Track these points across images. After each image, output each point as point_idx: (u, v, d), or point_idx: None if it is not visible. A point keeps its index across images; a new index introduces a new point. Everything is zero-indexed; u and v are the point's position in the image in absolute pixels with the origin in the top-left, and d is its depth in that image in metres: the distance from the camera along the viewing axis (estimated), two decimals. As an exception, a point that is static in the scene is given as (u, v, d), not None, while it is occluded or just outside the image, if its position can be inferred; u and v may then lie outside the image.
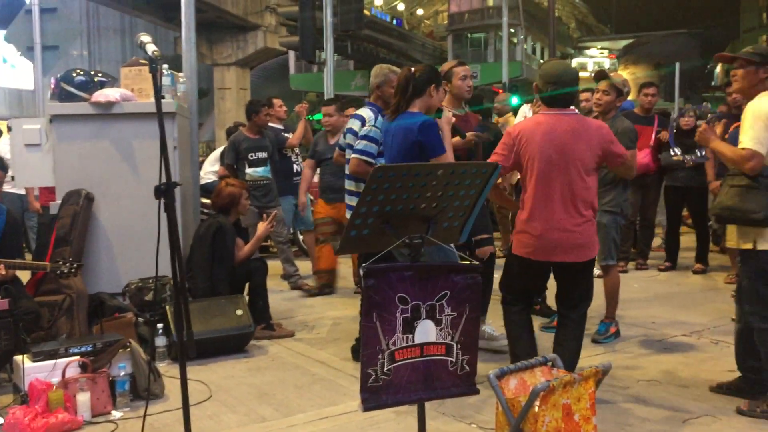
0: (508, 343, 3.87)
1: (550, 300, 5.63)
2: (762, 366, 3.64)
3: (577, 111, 3.82)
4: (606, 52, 57.30)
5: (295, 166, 7.58)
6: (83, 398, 3.63)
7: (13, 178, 5.65)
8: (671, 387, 4.03)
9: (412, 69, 3.98)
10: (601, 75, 5.04)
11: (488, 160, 3.65)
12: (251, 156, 6.89)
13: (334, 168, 6.09)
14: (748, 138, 3.48)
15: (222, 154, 9.45)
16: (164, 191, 2.65)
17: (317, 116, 15.42)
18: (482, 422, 3.52)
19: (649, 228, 7.97)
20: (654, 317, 5.58)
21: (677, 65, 19.54)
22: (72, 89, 5.35)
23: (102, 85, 5.47)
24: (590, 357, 4.57)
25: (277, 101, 7.81)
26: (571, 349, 3.72)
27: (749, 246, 3.55)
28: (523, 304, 3.85)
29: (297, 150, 7.74)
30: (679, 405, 3.74)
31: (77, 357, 3.80)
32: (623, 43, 57.41)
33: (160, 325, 4.65)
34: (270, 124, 7.39)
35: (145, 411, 3.11)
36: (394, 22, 39.87)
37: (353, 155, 4.69)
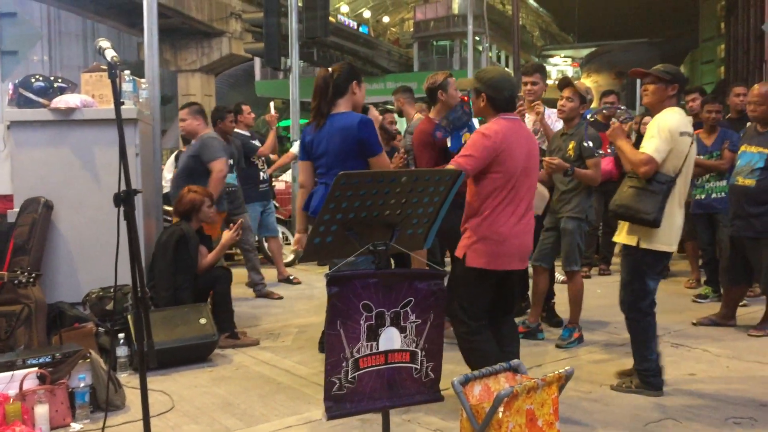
0: (475, 366, 3.62)
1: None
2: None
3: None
4: (569, 60, 58.19)
5: (261, 173, 7.53)
6: (41, 410, 3.55)
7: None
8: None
9: (330, 69, 3.86)
10: (564, 82, 5.11)
11: (460, 161, 3.45)
12: None
13: None
14: (649, 145, 3.83)
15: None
16: (124, 199, 2.61)
17: (284, 123, 15.36)
18: (447, 429, 3.52)
19: (612, 234, 8.06)
20: (617, 322, 5.63)
21: (638, 74, 19.80)
22: (31, 95, 5.25)
23: (62, 91, 5.38)
24: (554, 362, 4.61)
25: (246, 108, 7.76)
26: (516, 351, 3.70)
27: (633, 243, 3.92)
28: (485, 329, 3.60)
29: (263, 158, 7.69)
30: (642, 409, 3.78)
31: (35, 368, 3.71)
32: (586, 51, 58.36)
33: (121, 335, 4.57)
34: (237, 130, 7.34)
35: (104, 423, 3.05)
36: (361, 29, 39.94)
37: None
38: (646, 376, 3.98)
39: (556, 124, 5.50)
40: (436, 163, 4.72)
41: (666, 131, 3.81)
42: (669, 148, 3.80)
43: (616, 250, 8.38)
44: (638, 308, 3.98)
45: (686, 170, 3.91)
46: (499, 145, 3.46)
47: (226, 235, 5.32)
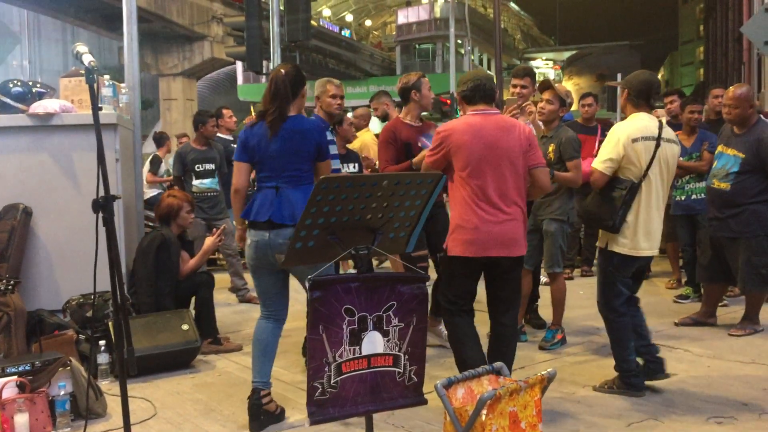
0: (455, 352, 3.81)
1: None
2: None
3: (499, 111, 3.89)
4: (551, 63, 58.54)
5: None
6: (21, 419, 3.51)
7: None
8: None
9: (282, 70, 3.75)
10: (545, 85, 5.14)
11: (424, 161, 3.78)
12: (198, 167, 6.80)
13: None
14: (598, 156, 4.01)
15: (152, 162, 9.33)
16: (102, 205, 2.59)
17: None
18: (430, 431, 3.52)
19: (594, 235, 8.11)
20: (599, 323, 5.65)
21: (619, 76, 20.06)
22: (8, 100, 5.19)
23: (40, 96, 5.33)
24: (536, 364, 4.62)
25: (227, 112, 7.73)
26: (511, 357, 3.77)
27: (602, 245, 4.07)
28: (468, 314, 3.82)
29: None
30: (624, 409, 3.80)
31: (15, 377, 3.67)
32: (567, 54, 58.77)
33: (102, 342, 4.53)
34: (219, 134, 7.31)
35: (84, 430, 3.01)
36: (343, 32, 39.95)
37: None
38: (627, 376, 4.01)
39: None
40: (396, 161, 4.75)
41: (614, 140, 3.92)
42: (618, 155, 3.89)
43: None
44: (613, 308, 4.03)
45: (659, 173, 3.94)
46: (448, 138, 3.67)
47: (209, 240, 5.29)
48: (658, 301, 6.46)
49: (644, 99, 4.02)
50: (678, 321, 5.65)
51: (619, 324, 4.03)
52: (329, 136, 4.89)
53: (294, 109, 3.72)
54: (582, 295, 6.64)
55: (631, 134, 3.89)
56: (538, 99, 5.19)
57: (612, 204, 3.91)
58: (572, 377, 4.36)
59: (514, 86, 5.42)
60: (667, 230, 6.56)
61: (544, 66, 57.65)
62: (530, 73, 5.59)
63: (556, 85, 5.29)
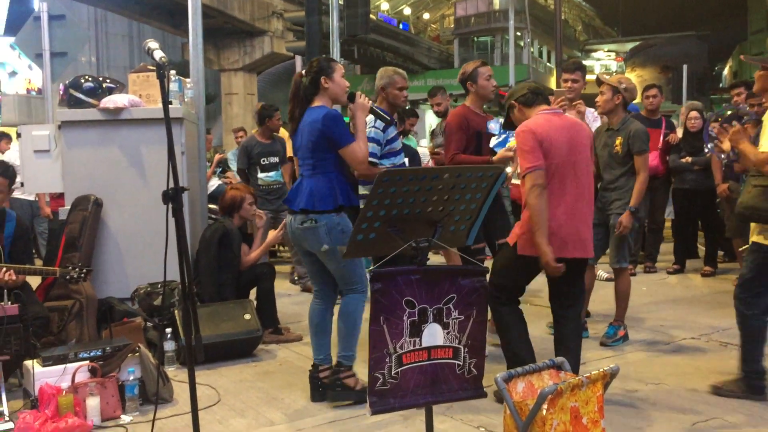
0: (504, 344, 3.81)
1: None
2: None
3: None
4: (613, 54, 57.22)
5: None
6: (93, 403, 3.65)
7: (22, 185, 5.69)
8: (680, 390, 4.02)
9: (303, 72, 3.99)
10: (598, 81, 5.04)
11: (527, 165, 3.57)
12: (263, 161, 6.93)
13: None
14: (766, 142, 3.61)
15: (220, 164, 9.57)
16: (172, 196, 2.66)
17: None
18: (490, 425, 3.52)
19: (658, 231, 7.94)
20: (662, 320, 5.56)
21: (685, 67, 19.47)
22: (81, 95, 5.38)
23: (110, 91, 5.50)
24: (598, 360, 4.56)
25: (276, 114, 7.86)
26: (575, 348, 3.75)
27: (761, 240, 3.74)
28: (515, 304, 3.84)
29: None
30: (688, 408, 3.72)
31: (87, 362, 3.82)
32: (630, 45, 57.30)
33: (168, 330, 4.66)
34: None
35: (154, 415, 3.12)
36: (401, 26, 39.90)
37: None
38: (752, 378, 3.84)
39: (594, 124, 5.51)
40: (465, 147, 4.71)
41: None
42: None
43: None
44: (757, 305, 3.81)
45: None
46: (542, 136, 3.57)
47: (272, 234, 5.39)
48: (725, 299, 6.24)
49: None
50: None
51: (759, 323, 3.83)
52: (395, 130, 4.88)
53: (319, 101, 3.87)
54: (645, 292, 6.51)
55: None
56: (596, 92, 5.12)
57: None
58: (635, 374, 4.28)
59: (565, 81, 5.35)
60: (733, 225, 6.38)
61: (606, 58, 56.45)
62: (580, 67, 5.49)
63: (609, 76, 5.18)
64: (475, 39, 44.30)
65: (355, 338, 3.93)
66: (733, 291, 3.93)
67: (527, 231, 3.64)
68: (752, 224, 3.86)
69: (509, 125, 4.04)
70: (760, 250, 3.77)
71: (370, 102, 4.00)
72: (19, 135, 5.70)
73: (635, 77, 44.82)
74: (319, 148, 3.77)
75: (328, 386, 3.91)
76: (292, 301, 6.70)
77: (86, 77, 5.60)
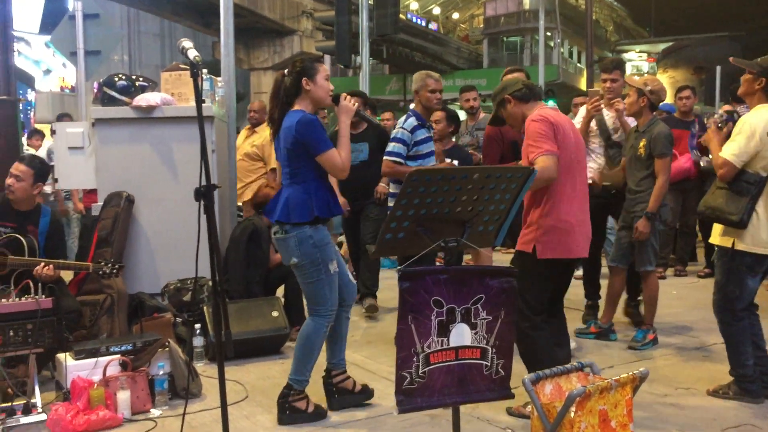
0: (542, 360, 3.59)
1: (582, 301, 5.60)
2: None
3: None
4: (645, 55, 56.50)
5: None
6: (123, 396, 3.71)
7: (56, 181, 5.79)
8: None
9: (285, 72, 3.72)
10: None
11: (545, 149, 3.42)
12: None
13: None
14: (728, 147, 3.74)
15: None
16: (204, 193, 2.70)
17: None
18: (517, 427, 3.50)
19: (690, 234, 7.84)
20: (693, 324, 5.49)
21: (718, 69, 19.19)
22: (114, 93, 5.46)
23: (143, 90, 5.58)
24: (627, 364, 4.52)
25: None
26: (567, 343, 3.75)
27: (728, 245, 3.79)
28: (545, 323, 3.63)
29: None
30: (718, 413, 3.68)
31: (118, 356, 3.88)
32: (662, 46, 56.53)
33: (197, 326, 4.71)
34: None
35: (185, 410, 3.15)
36: (430, 26, 39.82)
37: (384, 157, 4.82)
38: (743, 382, 3.84)
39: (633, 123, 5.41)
40: (503, 158, 4.70)
41: (748, 132, 3.68)
42: (752, 148, 3.66)
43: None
44: (732, 310, 3.85)
45: None
46: (557, 126, 3.50)
47: None
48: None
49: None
50: None
51: (737, 327, 3.86)
52: (425, 133, 4.88)
53: (300, 104, 3.62)
54: (675, 295, 6.43)
55: (766, 126, 3.66)
56: (626, 93, 5.07)
57: (739, 199, 3.70)
58: (664, 378, 4.23)
59: (604, 80, 5.29)
60: None
61: (637, 58, 55.75)
62: (619, 66, 5.42)
63: (632, 78, 5.13)
64: (505, 39, 44.05)
65: (310, 363, 3.72)
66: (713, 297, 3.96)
67: (545, 232, 3.49)
68: (714, 226, 3.91)
69: (497, 121, 3.89)
70: (726, 254, 3.83)
71: (356, 105, 3.77)
72: (53, 132, 5.80)
73: (667, 78, 44.25)
74: (295, 156, 3.56)
75: (279, 408, 3.71)
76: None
77: (120, 75, 5.68)
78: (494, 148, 4.77)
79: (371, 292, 6.03)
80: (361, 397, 3.89)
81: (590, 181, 4.94)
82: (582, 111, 5.45)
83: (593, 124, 5.29)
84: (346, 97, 3.71)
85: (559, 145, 3.46)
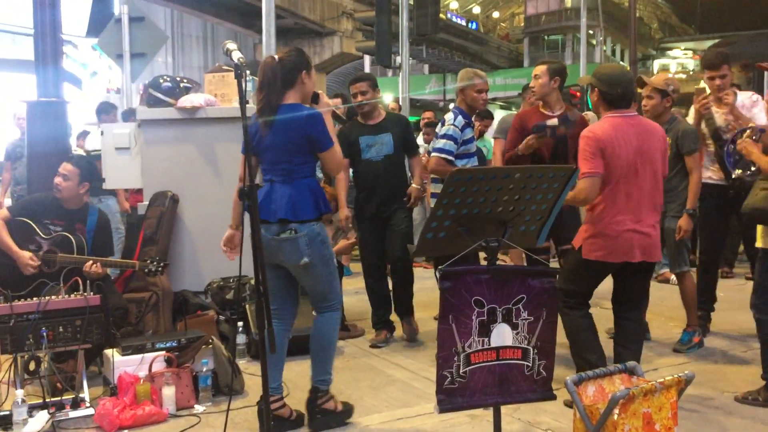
0: (574, 348, 3.75)
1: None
2: None
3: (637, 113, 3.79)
4: (690, 53, 55.37)
5: None
6: (168, 392, 3.78)
7: (104, 180, 5.91)
8: (758, 400, 3.88)
9: (275, 57, 3.54)
10: (640, 82, 4.86)
11: (585, 171, 3.51)
12: None
13: None
14: None
15: None
16: (248, 193, 2.74)
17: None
18: (558, 429, 3.48)
19: (736, 235, 7.65)
20: (740, 327, 5.37)
21: (767, 66, 18.62)
22: (159, 95, 5.55)
23: (187, 91, 5.66)
24: (673, 366, 4.45)
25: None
26: (636, 351, 3.69)
27: None
28: (585, 308, 3.79)
29: None
30: (764, 417, 3.59)
31: (163, 352, 3.96)
32: (708, 43, 55.24)
33: (240, 324, 4.77)
34: None
35: (228, 406, 3.20)
36: (470, 25, 39.64)
37: (432, 153, 4.77)
38: None
39: (754, 110, 4.99)
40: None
41: None
42: None
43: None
44: None
45: None
46: (603, 143, 3.54)
47: (342, 243, 5.44)
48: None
49: None
50: None
51: None
52: (471, 132, 4.84)
53: (292, 97, 3.49)
54: (722, 297, 6.28)
55: None
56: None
57: None
58: (711, 382, 4.16)
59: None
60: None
61: (683, 56, 54.69)
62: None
63: (650, 78, 4.99)
64: (546, 37, 43.68)
65: (331, 359, 3.64)
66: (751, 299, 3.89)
67: (593, 234, 3.63)
68: (759, 228, 3.84)
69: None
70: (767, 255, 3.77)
71: (331, 103, 3.68)
72: (102, 133, 5.93)
73: (713, 76, 43.16)
74: (299, 151, 3.43)
75: (309, 415, 3.61)
76: (359, 298, 6.75)
77: (165, 77, 5.78)
78: (513, 136, 4.65)
79: (410, 309, 5.33)
80: (340, 416, 3.67)
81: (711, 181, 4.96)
82: (691, 112, 5.27)
83: (703, 126, 5.02)
84: (323, 95, 3.62)
85: (607, 160, 3.53)
